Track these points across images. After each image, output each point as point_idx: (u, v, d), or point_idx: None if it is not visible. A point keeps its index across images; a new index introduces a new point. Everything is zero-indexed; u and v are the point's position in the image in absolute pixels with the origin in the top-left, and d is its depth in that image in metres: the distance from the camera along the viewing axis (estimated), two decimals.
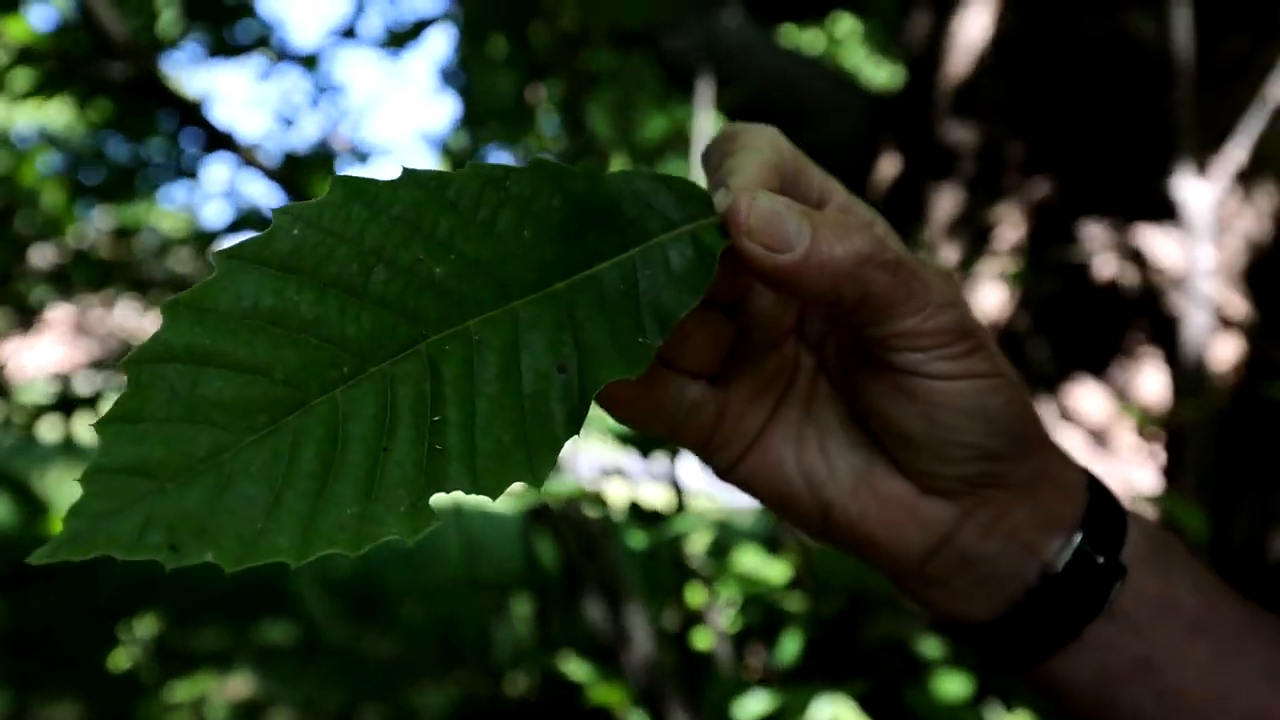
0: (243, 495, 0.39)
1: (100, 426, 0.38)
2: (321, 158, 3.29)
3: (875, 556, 0.54)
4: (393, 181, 0.42)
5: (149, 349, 0.39)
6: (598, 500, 1.66)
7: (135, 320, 3.34)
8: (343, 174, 0.42)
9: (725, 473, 0.55)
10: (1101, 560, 0.52)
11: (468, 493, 0.41)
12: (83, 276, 2.84)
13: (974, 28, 2.15)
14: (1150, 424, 1.78)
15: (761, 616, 1.85)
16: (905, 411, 0.49)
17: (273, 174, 2.13)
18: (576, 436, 0.43)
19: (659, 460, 1.72)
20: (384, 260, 0.42)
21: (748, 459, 0.54)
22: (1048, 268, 1.93)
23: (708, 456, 0.55)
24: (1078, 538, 0.52)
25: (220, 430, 0.39)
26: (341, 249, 0.41)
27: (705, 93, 1.99)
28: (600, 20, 2.06)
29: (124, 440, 0.38)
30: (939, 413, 0.49)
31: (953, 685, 1.54)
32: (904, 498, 0.52)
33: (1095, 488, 0.55)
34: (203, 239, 3.19)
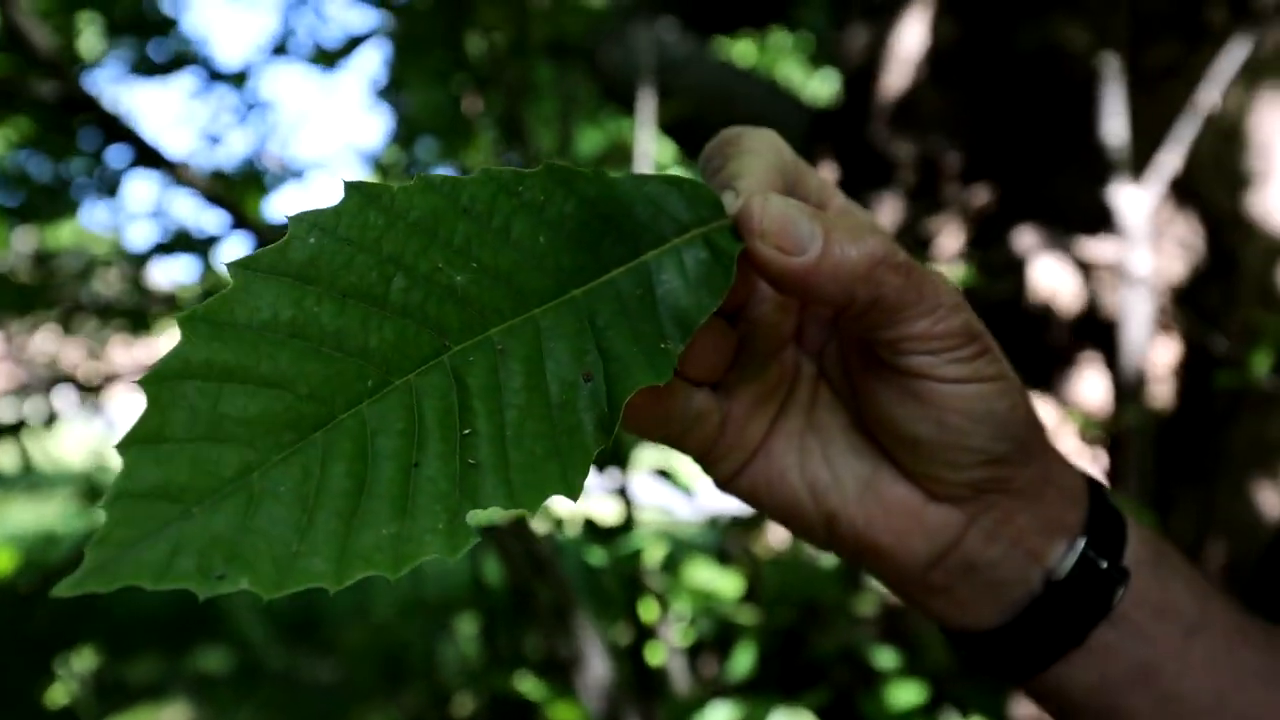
0: (273, 516, 0.37)
1: (122, 448, 0.36)
2: (251, 175, 3.23)
3: (880, 565, 0.53)
4: (407, 187, 0.41)
5: (166, 365, 0.37)
6: (547, 515, 1.64)
7: (58, 345, 3.25)
8: (354, 180, 0.41)
9: (727, 483, 0.54)
10: (1105, 565, 0.52)
11: (505, 508, 0.39)
12: (3, 302, 2.75)
13: (910, 40, 2.18)
14: (1092, 428, 1.80)
15: (714, 629, 1.85)
16: (914, 416, 0.49)
17: (207, 191, 2.08)
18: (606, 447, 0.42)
19: (610, 473, 1.71)
20: (403, 268, 0.41)
21: (750, 469, 0.53)
22: (987, 276, 1.95)
23: (709, 466, 0.54)
24: (1081, 542, 0.52)
25: (246, 448, 0.38)
26: (360, 257, 0.40)
27: (645, 105, 1.98)
28: (538, 33, 2.05)
29: (147, 462, 0.36)
30: (949, 416, 0.48)
31: (907, 693, 1.55)
32: (910, 504, 0.52)
33: (1095, 492, 0.55)
34: (128, 261, 3.11)
